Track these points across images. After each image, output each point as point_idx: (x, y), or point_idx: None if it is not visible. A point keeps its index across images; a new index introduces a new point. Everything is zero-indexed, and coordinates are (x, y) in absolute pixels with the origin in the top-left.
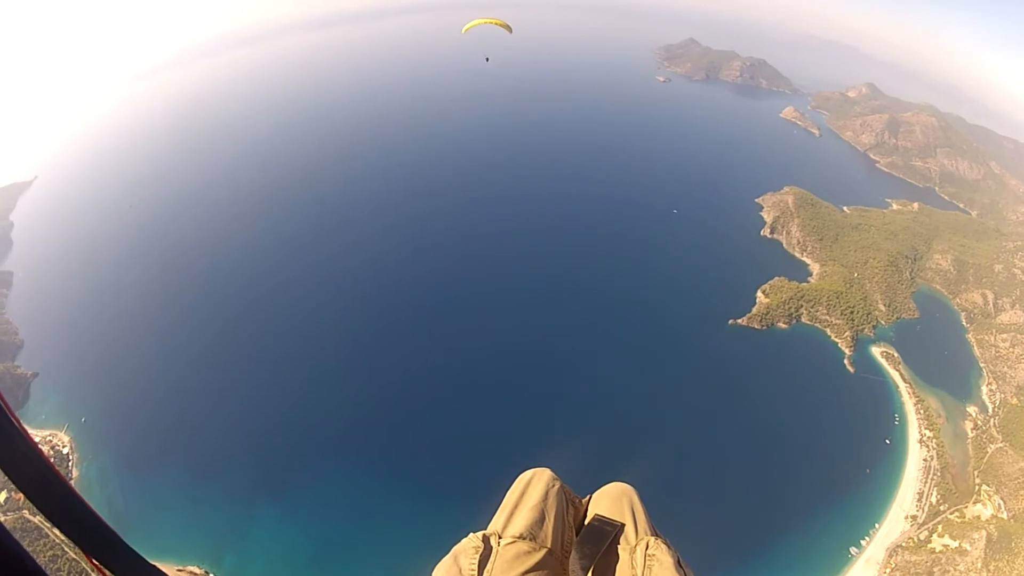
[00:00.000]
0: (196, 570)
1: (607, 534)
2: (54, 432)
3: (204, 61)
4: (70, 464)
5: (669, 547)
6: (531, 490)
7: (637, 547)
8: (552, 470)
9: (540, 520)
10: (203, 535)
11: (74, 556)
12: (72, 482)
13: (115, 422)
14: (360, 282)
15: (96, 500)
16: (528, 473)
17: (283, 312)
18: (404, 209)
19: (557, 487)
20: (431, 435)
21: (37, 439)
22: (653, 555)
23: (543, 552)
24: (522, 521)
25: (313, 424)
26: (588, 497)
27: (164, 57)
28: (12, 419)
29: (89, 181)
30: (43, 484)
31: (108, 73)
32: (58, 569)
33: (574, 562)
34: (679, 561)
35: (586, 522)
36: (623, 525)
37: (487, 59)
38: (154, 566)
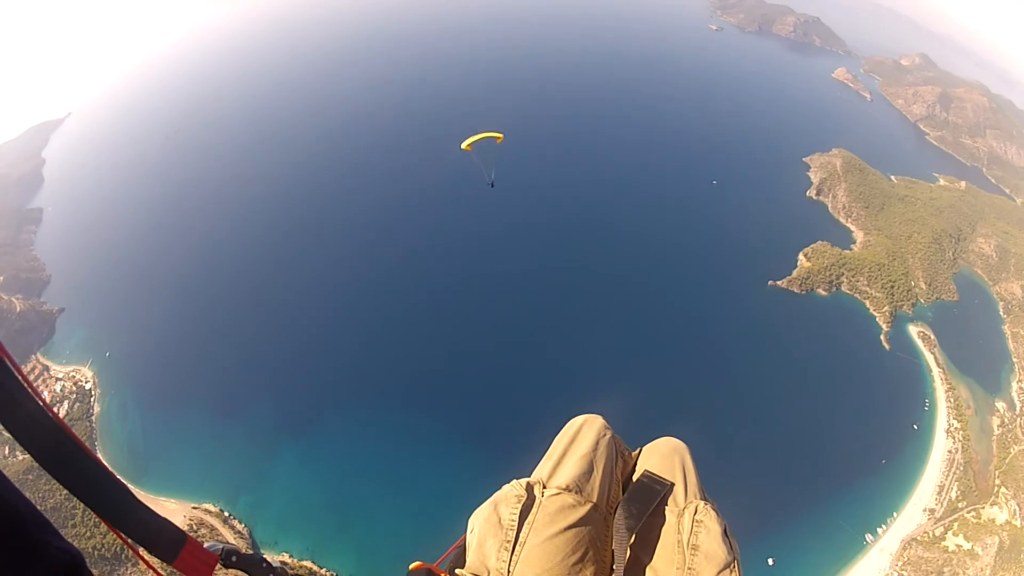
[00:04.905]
0: (211, 508)
1: (656, 493)
2: (77, 368)
3: None
4: (92, 400)
5: (717, 514)
6: (581, 438)
7: (685, 510)
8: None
9: (588, 472)
10: (220, 474)
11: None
12: (93, 419)
13: (139, 358)
14: (392, 220)
15: (116, 436)
16: (579, 419)
17: (310, 253)
18: (441, 155)
19: (608, 437)
20: (458, 381)
21: (60, 375)
22: (701, 521)
23: (588, 507)
24: (569, 471)
25: (337, 366)
26: (638, 450)
27: None
28: (19, 378)
29: (123, 118)
30: (55, 447)
31: (145, 5)
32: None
33: (619, 520)
34: (726, 530)
35: (634, 478)
36: (673, 484)
37: (491, 184)
38: (181, 530)
